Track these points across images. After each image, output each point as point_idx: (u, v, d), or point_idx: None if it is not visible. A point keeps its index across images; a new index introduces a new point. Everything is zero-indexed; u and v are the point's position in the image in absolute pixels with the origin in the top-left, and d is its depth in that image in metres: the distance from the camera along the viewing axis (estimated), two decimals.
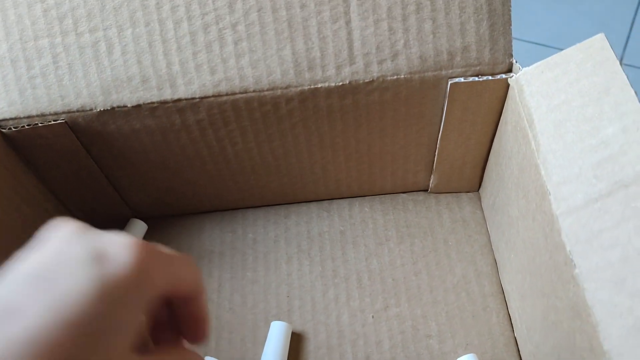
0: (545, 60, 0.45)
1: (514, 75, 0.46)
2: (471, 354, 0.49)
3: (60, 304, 0.21)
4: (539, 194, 0.42)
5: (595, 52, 0.42)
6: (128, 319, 0.22)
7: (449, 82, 0.46)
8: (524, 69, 0.45)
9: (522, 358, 0.50)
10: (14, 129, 0.47)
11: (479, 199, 0.59)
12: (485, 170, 0.56)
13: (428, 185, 0.59)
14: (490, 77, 0.46)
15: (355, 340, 0.52)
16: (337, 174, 0.56)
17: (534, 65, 0.45)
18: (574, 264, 0.36)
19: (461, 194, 0.59)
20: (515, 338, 0.51)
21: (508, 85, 0.47)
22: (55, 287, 0.21)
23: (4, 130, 0.47)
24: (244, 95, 0.46)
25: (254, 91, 0.46)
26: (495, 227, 0.54)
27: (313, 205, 0.60)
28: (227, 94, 0.46)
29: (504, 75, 0.47)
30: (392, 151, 0.53)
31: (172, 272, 0.25)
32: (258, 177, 0.55)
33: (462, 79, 0.46)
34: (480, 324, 0.52)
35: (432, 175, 0.57)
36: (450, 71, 0.46)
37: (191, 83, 0.46)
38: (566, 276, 0.37)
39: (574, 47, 0.44)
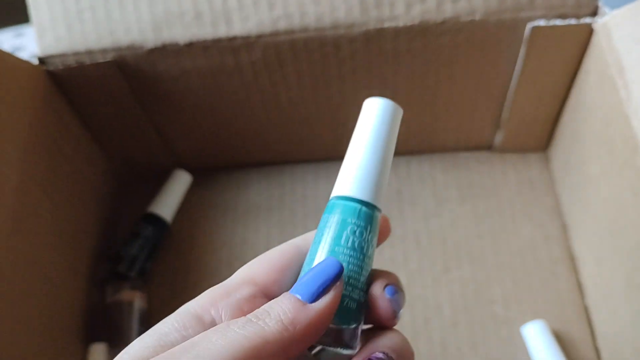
0: (635, 2, 0.40)
1: (600, 19, 0.42)
2: (540, 320, 0.46)
3: None
4: (628, 147, 0.38)
5: None
6: None
7: (529, 26, 0.42)
8: (613, 12, 0.41)
9: (593, 328, 0.46)
10: (60, 67, 0.44)
11: (547, 159, 0.54)
12: (558, 126, 0.51)
13: (492, 143, 0.55)
14: (574, 21, 0.42)
15: (413, 303, 0.49)
16: None
17: (624, 7, 0.41)
18: None
19: (528, 153, 0.55)
20: (585, 306, 0.47)
21: (592, 30, 0.43)
22: None
23: (50, 68, 0.44)
24: (304, 34, 0.43)
25: (315, 30, 0.42)
26: (567, 188, 0.50)
27: None
28: (285, 32, 0.43)
29: (589, 19, 0.42)
30: (458, 103, 0.49)
31: None
32: (311, 127, 0.52)
33: (543, 22, 0.42)
34: (548, 290, 0.48)
35: (499, 132, 0.53)
36: (531, 13, 0.42)
37: (248, 19, 0.42)
38: None
39: None
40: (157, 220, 0.53)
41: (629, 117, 0.38)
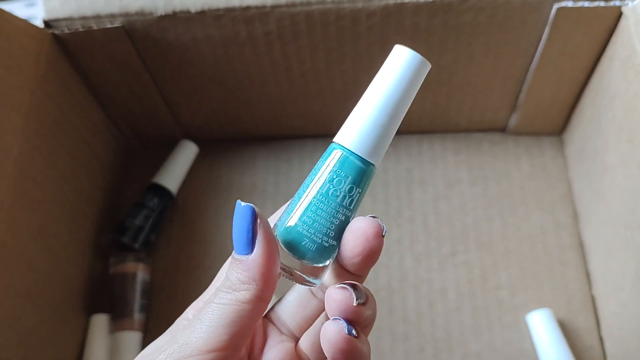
0: None
1: (630, 2, 0.40)
2: (546, 309, 0.45)
3: None
4: None
5: None
6: None
7: (555, 6, 0.41)
8: None
9: (598, 317, 0.46)
10: (67, 31, 0.43)
11: (561, 143, 0.53)
12: (575, 112, 0.50)
13: (506, 125, 0.54)
14: (602, 3, 0.40)
15: (418, 286, 0.48)
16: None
17: None
18: None
19: (542, 137, 0.54)
20: (592, 296, 0.47)
21: (620, 14, 0.41)
22: None
23: (56, 32, 0.43)
24: (321, 6, 0.41)
25: (332, 2, 0.41)
26: (581, 175, 0.49)
27: None
28: (301, 4, 0.41)
29: (618, 2, 0.41)
30: (475, 82, 0.48)
31: None
32: (323, 102, 0.51)
33: (570, 3, 0.40)
34: (556, 278, 0.48)
35: (514, 114, 0.52)
36: None
37: None
38: None
39: None
40: (162, 191, 0.52)
41: None
